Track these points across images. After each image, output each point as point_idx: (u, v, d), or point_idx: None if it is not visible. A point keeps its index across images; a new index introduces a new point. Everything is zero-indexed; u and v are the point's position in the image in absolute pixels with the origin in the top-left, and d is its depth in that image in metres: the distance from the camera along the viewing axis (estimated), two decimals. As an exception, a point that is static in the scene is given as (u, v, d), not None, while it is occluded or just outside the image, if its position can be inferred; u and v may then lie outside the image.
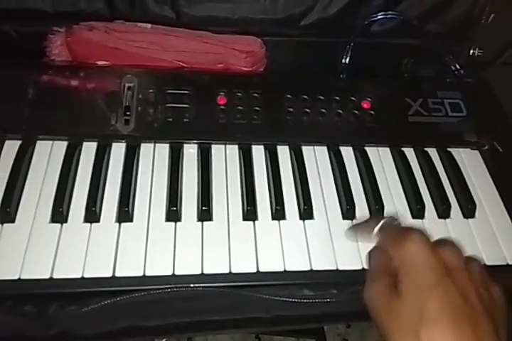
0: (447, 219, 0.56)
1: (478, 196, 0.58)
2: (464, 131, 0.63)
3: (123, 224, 0.50)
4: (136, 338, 0.46)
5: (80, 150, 0.56)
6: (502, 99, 0.66)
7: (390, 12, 0.69)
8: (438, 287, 0.35)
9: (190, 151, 0.58)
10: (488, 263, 0.52)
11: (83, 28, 0.63)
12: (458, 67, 0.71)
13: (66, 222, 0.50)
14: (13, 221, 0.49)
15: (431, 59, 0.75)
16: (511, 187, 0.59)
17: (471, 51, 0.70)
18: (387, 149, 0.62)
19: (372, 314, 0.37)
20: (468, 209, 0.56)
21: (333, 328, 1.22)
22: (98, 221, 0.50)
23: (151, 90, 0.59)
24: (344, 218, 0.54)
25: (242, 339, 0.95)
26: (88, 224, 0.50)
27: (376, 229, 0.43)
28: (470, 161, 0.62)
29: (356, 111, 0.62)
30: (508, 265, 0.53)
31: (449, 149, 0.62)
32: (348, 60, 0.71)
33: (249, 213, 0.53)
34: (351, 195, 0.56)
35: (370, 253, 0.43)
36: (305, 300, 0.48)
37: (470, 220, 0.56)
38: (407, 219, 0.55)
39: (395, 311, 0.35)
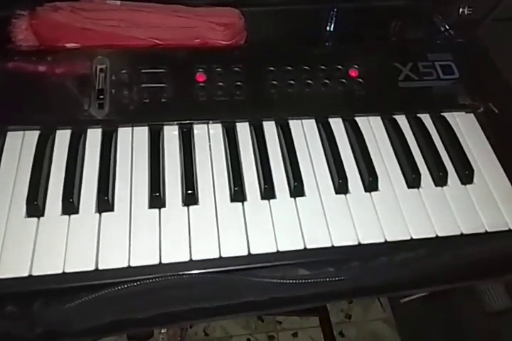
0: (444, 187, 0.54)
1: (475, 161, 0.56)
2: (457, 93, 0.61)
3: (103, 214, 0.48)
4: (127, 331, 0.45)
5: (54, 138, 0.53)
6: (496, 58, 0.64)
7: (373, -28, 0.65)
8: None
9: (174, 133, 0.55)
10: (489, 229, 0.51)
11: (48, 10, 0.60)
12: (447, 27, 0.69)
13: (43, 215, 0.48)
14: (-14, 217, 0.47)
15: (419, 20, 0.72)
16: (509, 149, 0.58)
17: (461, 10, 0.67)
18: (378, 118, 0.59)
19: None
20: (466, 175, 0.55)
21: (335, 304, 1.25)
22: (77, 212, 0.48)
23: (124, 71, 0.57)
24: (337, 193, 0.52)
25: (244, 321, 0.95)
26: (66, 217, 0.48)
27: None
28: (465, 125, 0.60)
29: (344, 80, 0.60)
30: (510, 230, 0.51)
31: (442, 114, 0.60)
32: (332, 27, 0.68)
33: (237, 194, 0.51)
34: (343, 168, 0.54)
35: None
36: (300, 281, 0.46)
37: (468, 186, 0.54)
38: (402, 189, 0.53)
39: None
